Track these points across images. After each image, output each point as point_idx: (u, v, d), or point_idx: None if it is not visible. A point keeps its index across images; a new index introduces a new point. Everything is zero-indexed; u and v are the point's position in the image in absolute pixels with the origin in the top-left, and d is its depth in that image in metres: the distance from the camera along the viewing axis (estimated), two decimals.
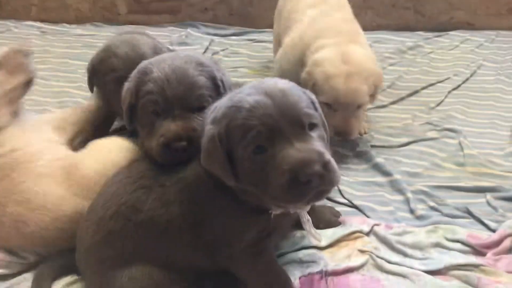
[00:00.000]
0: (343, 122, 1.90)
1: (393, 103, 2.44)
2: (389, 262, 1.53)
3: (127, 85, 1.48)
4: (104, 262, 1.32)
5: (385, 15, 3.17)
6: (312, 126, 1.17)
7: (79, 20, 3.37)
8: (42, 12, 3.38)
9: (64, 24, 3.31)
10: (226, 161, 1.17)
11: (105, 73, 1.74)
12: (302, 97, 1.19)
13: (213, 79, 1.46)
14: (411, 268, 1.49)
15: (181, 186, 1.30)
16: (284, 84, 1.21)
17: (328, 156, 1.11)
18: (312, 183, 1.07)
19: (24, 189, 1.44)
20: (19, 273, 1.49)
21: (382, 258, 1.53)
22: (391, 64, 2.75)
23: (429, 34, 3.05)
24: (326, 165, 1.08)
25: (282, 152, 1.09)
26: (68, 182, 1.48)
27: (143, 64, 1.47)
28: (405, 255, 1.55)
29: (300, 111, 1.15)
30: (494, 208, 1.77)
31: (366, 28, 3.09)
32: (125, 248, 1.31)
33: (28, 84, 1.70)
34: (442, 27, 3.12)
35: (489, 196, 1.82)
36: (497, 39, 3.00)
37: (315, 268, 1.48)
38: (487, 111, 2.36)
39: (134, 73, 1.47)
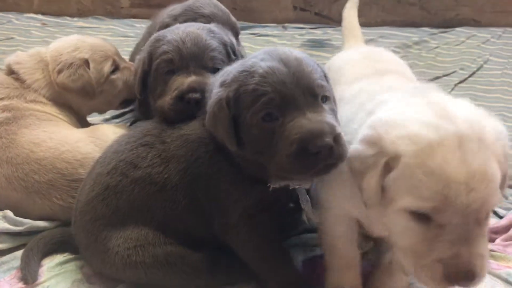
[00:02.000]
0: (456, 250, 0.96)
1: None
2: None
3: (139, 56, 1.55)
4: (98, 220, 1.30)
5: (391, 11, 3.13)
6: (325, 98, 1.15)
7: (81, 13, 3.34)
8: (44, 5, 3.36)
9: (66, 17, 3.28)
10: (231, 125, 1.15)
11: None
12: (316, 68, 1.17)
13: (224, 45, 1.53)
14: None
15: (182, 143, 1.28)
16: (299, 53, 1.18)
17: (339, 129, 1.09)
18: (321, 155, 1.05)
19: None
20: (10, 250, 1.46)
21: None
22: None
23: (435, 30, 3.01)
24: (336, 138, 1.06)
25: (293, 121, 1.07)
26: (89, 133, 1.69)
27: (155, 34, 1.54)
28: None
29: (315, 81, 1.12)
30: (505, 196, 1.71)
31: (371, 24, 3.10)
32: (120, 205, 1.29)
33: None
34: (447, 24, 3.08)
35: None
36: (504, 35, 2.96)
37: (318, 251, 1.43)
38: (494, 103, 2.33)
39: (146, 45, 1.54)
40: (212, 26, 1.58)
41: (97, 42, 1.86)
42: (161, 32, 1.54)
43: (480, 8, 3.11)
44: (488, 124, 0.98)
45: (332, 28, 3.05)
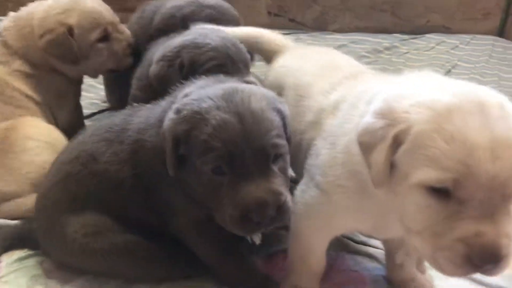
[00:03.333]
0: (481, 228, 0.86)
1: None
2: (355, 241, 1.49)
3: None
4: (59, 204, 1.31)
5: (364, 18, 3.20)
6: (277, 157, 1.13)
7: None
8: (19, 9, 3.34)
9: None
10: (176, 159, 1.14)
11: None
12: (274, 122, 1.12)
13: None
14: (377, 248, 1.46)
15: (138, 148, 1.27)
16: (258, 103, 1.12)
17: (284, 196, 1.10)
18: (262, 224, 1.08)
19: None
20: None
21: (348, 238, 1.50)
22: (367, 63, 2.74)
23: (406, 36, 3.08)
24: (280, 207, 1.08)
25: (240, 185, 1.08)
26: None
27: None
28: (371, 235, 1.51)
29: (268, 142, 1.10)
30: None
31: (344, 30, 3.16)
32: (79, 194, 1.30)
33: None
34: (418, 30, 3.16)
35: None
36: (472, 42, 3.04)
37: (279, 247, 1.44)
38: None
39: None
40: None
41: (91, 7, 1.78)
42: (189, 39, 1.57)
43: (450, 16, 3.20)
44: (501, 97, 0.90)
45: (306, 34, 3.10)
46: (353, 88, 1.19)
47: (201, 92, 1.16)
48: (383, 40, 3.01)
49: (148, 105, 1.36)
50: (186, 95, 1.18)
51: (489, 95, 0.88)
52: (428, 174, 0.85)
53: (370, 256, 1.44)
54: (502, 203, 0.84)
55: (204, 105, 1.11)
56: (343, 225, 1.17)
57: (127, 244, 1.27)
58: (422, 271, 1.25)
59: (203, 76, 1.35)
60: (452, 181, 0.83)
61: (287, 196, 1.11)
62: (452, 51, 2.91)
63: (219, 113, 1.09)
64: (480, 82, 2.52)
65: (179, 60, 1.52)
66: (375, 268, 1.40)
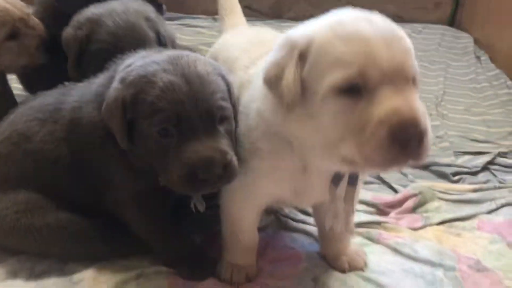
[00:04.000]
0: (394, 105, 0.90)
1: None
2: (294, 220, 1.52)
3: (73, 31, 1.55)
4: None
5: (318, 6, 3.21)
6: (223, 119, 1.14)
7: None
8: None
9: None
10: (125, 126, 1.14)
11: None
12: (219, 85, 1.14)
13: (157, 33, 1.57)
14: (315, 226, 1.48)
15: (73, 127, 1.26)
16: (203, 67, 1.14)
17: (230, 155, 1.11)
18: (209, 181, 1.09)
19: None
20: None
21: (287, 217, 1.52)
22: None
23: None
24: (226, 166, 1.09)
25: (188, 144, 1.08)
26: None
27: (93, 13, 1.55)
28: (310, 214, 1.54)
29: (214, 103, 1.11)
30: (405, 174, 1.81)
31: (299, 18, 3.16)
32: (11, 173, 1.29)
33: None
34: None
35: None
36: (424, 31, 3.11)
37: (219, 226, 1.45)
38: None
39: (83, 21, 1.54)
40: (149, 11, 1.60)
41: None
42: (95, 15, 1.55)
43: (403, 5, 3.26)
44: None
45: (261, 21, 3.10)
46: None
47: (145, 60, 1.16)
48: None
49: (81, 84, 1.34)
50: (128, 65, 1.18)
51: (372, 14, 0.99)
52: (334, 76, 0.92)
53: (308, 234, 1.47)
54: (407, 85, 0.93)
55: (150, 69, 1.11)
56: (265, 192, 1.19)
57: (58, 221, 1.26)
58: (350, 232, 1.28)
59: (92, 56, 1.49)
60: (357, 74, 0.91)
61: (233, 156, 1.11)
62: None
63: (165, 75, 1.09)
64: (429, 70, 2.64)
65: (81, 32, 1.53)
66: (311, 245, 1.42)
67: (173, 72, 1.10)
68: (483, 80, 2.59)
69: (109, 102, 1.15)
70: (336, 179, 1.08)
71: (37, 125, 1.30)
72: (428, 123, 0.92)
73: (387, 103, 0.89)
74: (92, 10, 1.57)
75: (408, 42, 0.98)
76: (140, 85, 1.10)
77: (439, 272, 1.33)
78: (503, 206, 1.64)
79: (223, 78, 1.17)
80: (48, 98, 1.37)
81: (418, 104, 0.92)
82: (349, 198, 1.11)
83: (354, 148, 0.92)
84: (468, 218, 1.58)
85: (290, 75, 0.97)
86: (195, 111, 1.08)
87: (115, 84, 1.15)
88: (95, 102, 1.24)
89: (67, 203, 1.28)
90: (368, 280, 1.28)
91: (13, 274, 1.27)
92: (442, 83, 2.53)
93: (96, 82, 1.28)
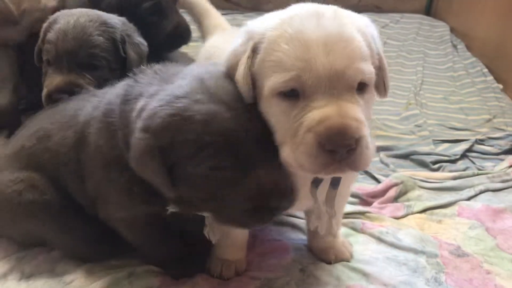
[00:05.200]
0: (324, 112, 0.92)
1: None
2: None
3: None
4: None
5: None
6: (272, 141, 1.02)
7: None
8: None
9: None
10: (166, 174, 0.99)
11: None
12: None
13: (113, 41, 1.49)
14: (301, 218, 1.51)
15: (82, 139, 1.22)
16: (231, 83, 1.02)
17: (291, 177, 1.02)
18: (280, 209, 1.00)
19: None
20: None
21: None
22: None
23: None
24: (291, 189, 1.00)
25: (250, 174, 0.97)
26: None
27: (54, 15, 1.54)
28: None
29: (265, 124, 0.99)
30: (386, 164, 1.86)
31: (278, 10, 3.18)
32: (30, 162, 1.31)
33: None
34: (351, 10, 3.21)
35: (382, 154, 1.91)
36: (402, 21, 3.14)
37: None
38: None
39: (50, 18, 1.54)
40: (111, 19, 1.53)
41: None
42: (57, 14, 1.53)
43: None
44: (353, 14, 1.01)
45: (241, 14, 3.11)
46: None
47: (163, 96, 1.00)
48: None
49: (100, 92, 1.30)
50: (142, 110, 1.02)
51: (330, 9, 0.97)
52: (275, 79, 0.93)
53: (294, 226, 1.49)
54: (347, 93, 0.92)
55: (179, 105, 0.96)
56: None
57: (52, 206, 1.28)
58: (333, 235, 1.32)
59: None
60: (295, 79, 0.91)
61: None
62: (383, 30, 2.98)
63: (201, 107, 0.95)
64: (407, 59, 2.68)
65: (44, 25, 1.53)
66: (298, 238, 1.45)
67: (207, 100, 0.96)
68: (460, 68, 2.64)
69: (140, 155, 1.00)
70: (315, 181, 1.07)
71: (56, 127, 1.30)
72: (364, 131, 0.91)
73: (317, 111, 0.90)
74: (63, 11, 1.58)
75: (357, 44, 0.93)
76: (176, 126, 0.96)
77: (422, 259, 1.37)
78: (481, 192, 1.69)
79: None
80: (72, 102, 1.36)
81: (355, 112, 0.91)
82: (330, 200, 1.11)
83: (289, 151, 0.94)
84: (448, 205, 1.63)
85: (241, 67, 0.98)
86: (248, 136, 0.96)
87: (139, 134, 0.99)
88: (102, 122, 1.17)
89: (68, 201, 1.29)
90: (353, 269, 1.31)
91: (3, 276, 1.28)
92: (420, 72, 2.57)
93: (106, 99, 1.20)
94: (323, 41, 0.90)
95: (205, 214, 1.13)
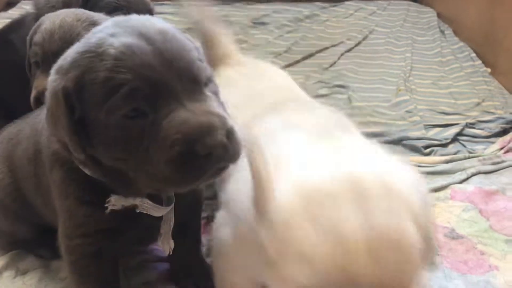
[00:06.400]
0: None
1: (288, 66, 2.48)
2: None
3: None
4: None
5: None
6: (208, 81, 0.87)
7: None
8: None
9: None
10: (74, 126, 0.83)
11: None
12: (189, 43, 0.86)
13: None
14: None
15: (36, 151, 1.10)
16: (161, 23, 0.86)
17: (230, 121, 0.83)
18: (213, 157, 0.79)
19: None
20: None
21: None
22: (288, 32, 2.79)
23: (326, 4, 3.13)
24: (229, 132, 0.80)
25: (170, 116, 0.78)
26: None
27: (44, 16, 1.45)
28: None
29: (192, 61, 0.83)
30: None
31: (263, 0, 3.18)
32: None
33: None
34: None
35: (374, 141, 1.90)
36: (389, 7, 3.13)
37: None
38: (377, 69, 2.48)
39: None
40: (101, 18, 1.45)
41: None
42: (43, 18, 1.46)
43: None
44: (401, 174, 0.79)
45: (229, 5, 3.08)
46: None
47: (81, 41, 0.87)
48: (304, 9, 3.04)
49: None
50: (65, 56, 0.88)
51: (369, 172, 0.75)
52: (300, 273, 0.71)
53: None
54: None
55: (92, 40, 0.83)
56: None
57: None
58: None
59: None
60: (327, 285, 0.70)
61: (233, 123, 0.83)
62: (370, 17, 2.98)
63: (116, 40, 0.80)
64: (396, 46, 2.68)
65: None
66: None
67: (126, 34, 0.81)
68: (448, 53, 2.64)
69: (48, 103, 0.87)
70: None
71: (22, 137, 1.20)
72: None
73: None
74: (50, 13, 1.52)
75: (413, 250, 0.71)
76: (84, 63, 0.81)
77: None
78: (473, 175, 1.71)
79: (191, 40, 0.90)
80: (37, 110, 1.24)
81: None
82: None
83: None
84: (441, 188, 1.64)
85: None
86: (170, 72, 0.79)
87: (51, 78, 0.87)
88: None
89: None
90: None
91: (21, 275, 1.27)
92: (409, 58, 2.57)
93: None
94: (367, 246, 0.68)
95: (156, 215, 0.98)
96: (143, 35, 0.80)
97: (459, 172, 1.72)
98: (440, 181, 1.67)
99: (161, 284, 1.25)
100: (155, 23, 0.84)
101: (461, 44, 2.71)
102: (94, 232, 0.98)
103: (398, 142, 1.92)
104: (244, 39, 2.71)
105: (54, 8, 1.59)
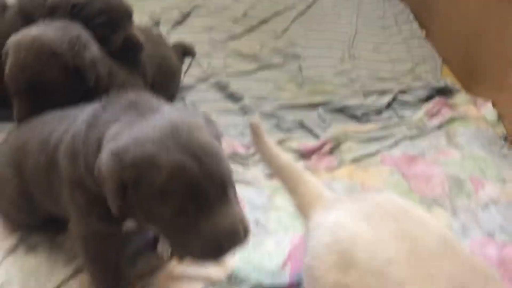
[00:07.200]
0: None
1: (245, 32, 2.71)
2: (236, 172, 1.84)
3: None
4: None
5: None
6: (231, 186, 1.07)
7: None
8: None
9: None
10: (121, 201, 1.04)
11: None
12: (219, 148, 1.07)
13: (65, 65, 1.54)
14: (253, 176, 1.84)
15: (51, 165, 1.31)
16: (202, 133, 1.06)
17: (246, 220, 1.08)
18: (233, 249, 1.06)
19: None
20: None
21: None
22: None
23: None
24: (246, 232, 1.06)
25: (208, 220, 1.02)
26: None
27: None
28: (248, 167, 1.89)
29: (226, 174, 1.04)
30: (323, 119, 2.16)
31: None
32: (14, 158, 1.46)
33: None
34: None
35: (319, 110, 2.20)
36: None
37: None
38: (325, 35, 2.73)
39: None
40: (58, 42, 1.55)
41: None
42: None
43: None
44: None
45: None
46: None
47: (136, 133, 1.04)
48: None
49: (72, 114, 1.33)
50: (116, 136, 1.07)
51: None
52: None
53: (248, 182, 1.81)
54: None
55: (149, 149, 1.00)
56: None
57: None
58: None
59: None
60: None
61: (247, 218, 1.09)
62: None
63: (168, 157, 0.99)
64: (343, 8, 2.89)
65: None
66: (251, 194, 1.77)
67: (178, 151, 1.00)
68: (390, 16, 2.90)
69: (103, 176, 1.04)
70: None
71: (34, 149, 1.37)
72: None
73: None
74: None
75: None
76: (143, 169, 1.00)
77: None
78: (401, 140, 2.02)
79: (216, 136, 1.11)
80: (48, 122, 1.41)
81: None
82: None
83: None
84: (373, 154, 1.95)
85: None
86: (211, 187, 1.01)
87: (108, 157, 1.03)
88: (68, 145, 1.23)
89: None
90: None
91: (12, 250, 1.53)
92: (354, 24, 2.82)
93: (73, 129, 1.23)
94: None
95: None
96: (189, 153, 1.00)
97: (390, 138, 2.03)
98: (372, 147, 1.98)
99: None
100: (197, 134, 1.04)
101: (402, 6, 2.96)
102: (107, 235, 1.28)
103: (339, 111, 2.20)
104: (202, 4, 2.88)
105: (38, 8, 1.74)
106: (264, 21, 2.80)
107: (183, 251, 1.09)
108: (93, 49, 1.61)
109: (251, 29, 2.74)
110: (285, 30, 2.74)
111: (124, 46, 1.77)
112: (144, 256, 1.52)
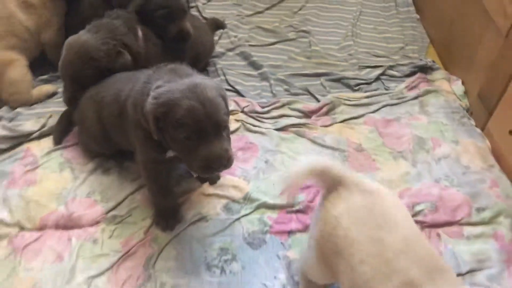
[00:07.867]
0: None
1: (267, 9, 3.21)
2: (254, 125, 2.41)
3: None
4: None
5: None
6: (225, 127, 1.58)
7: None
8: None
9: None
10: (157, 129, 1.58)
11: None
12: (221, 104, 1.57)
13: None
14: (266, 128, 2.40)
15: (123, 111, 1.83)
16: (211, 93, 1.55)
17: (231, 152, 1.58)
18: (218, 170, 1.59)
19: None
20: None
21: (249, 124, 2.41)
22: None
23: None
24: (229, 159, 1.56)
25: (204, 145, 1.53)
26: None
27: None
28: (263, 121, 2.45)
29: (221, 119, 1.55)
30: (324, 87, 2.68)
31: None
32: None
33: None
34: None
35: (322, 79, 2.73)
36: None
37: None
38: (333, 13, 3.19)
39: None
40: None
41: None
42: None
43: None
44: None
45: None
46: None
47: (171, 86, 1.57)
48: None
49: (136, 76, 1.83)
50: (158, 86, 1.59)
51: None
52: None
53: (262, 133, 2.38)
54: None
55: (176, 95, 1.52)
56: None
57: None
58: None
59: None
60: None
61: (232, 151, 1.59)
62: None
63: (188, 101, 1.51)
64: None
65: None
66: (265, 141, 2.36)
67: (192, 98, 1.51)
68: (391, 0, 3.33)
69: (146, 112, 1.58)
70: None
71: (109, 100, 1.92)
72: None
73: None
74: None
75: None
76: (170, 107, 1.52)
77: (336, 153, 2.28)
78: (383, 107, 2.53)
79: (223, 97, 1.62)
80: (120, 80, 1.97)
81: None
82: None
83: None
84: (359, 117, 2.46)
85: None
86: (209, 124, 1.52)
87: (150, 100, 1.56)
88: (132, 99, 1.74)
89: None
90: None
91: (93, 171, 2.17)
92: (360, 3, 3.24)
93: (136, 87, 1.74)
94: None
95: None
96: (200, 101, 1.52)
97: (375, 105, 2.53)
98: (359, 111, 2.50)
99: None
100: (207, 92, 1.55)
101: None
102: (159, 160, 1.80)
103: (338, 81, 2.70)
104: None
105: None
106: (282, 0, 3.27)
107: (189, 166, 1.64)
108: (126, 57, 2.11)
109: (272, 7, 3.22)
110: (300, 8, 3.22)
111: (177, 35, 2.33)
112: (186, 180, 2.14)
